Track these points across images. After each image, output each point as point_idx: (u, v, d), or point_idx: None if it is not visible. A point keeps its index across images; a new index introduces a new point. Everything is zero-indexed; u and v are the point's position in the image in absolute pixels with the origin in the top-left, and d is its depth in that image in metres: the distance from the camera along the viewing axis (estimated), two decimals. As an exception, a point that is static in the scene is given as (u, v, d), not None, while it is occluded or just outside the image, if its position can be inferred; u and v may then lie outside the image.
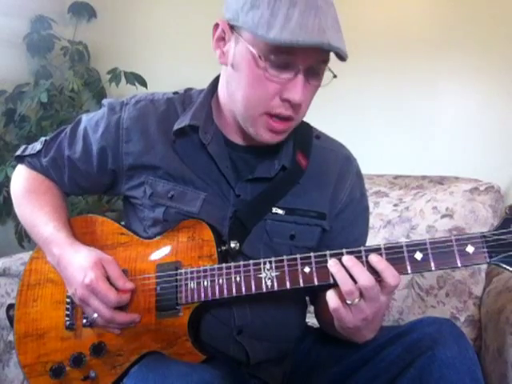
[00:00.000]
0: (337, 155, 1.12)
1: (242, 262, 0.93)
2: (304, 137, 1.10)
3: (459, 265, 0.84)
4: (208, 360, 0.96)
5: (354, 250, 0.87)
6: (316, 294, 1.12)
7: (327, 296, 0.87)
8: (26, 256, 1.51)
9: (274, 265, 0.91)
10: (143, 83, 2.32)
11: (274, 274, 0.91)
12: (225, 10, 0.95)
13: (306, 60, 0.88)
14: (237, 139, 1.05)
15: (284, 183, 1.05)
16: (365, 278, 0.83)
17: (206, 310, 0.99)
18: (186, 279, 0.96)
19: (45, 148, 1.14)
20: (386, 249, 0.86)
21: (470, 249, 0.83)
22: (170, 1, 2.51)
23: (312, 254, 0.90)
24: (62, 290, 1.04)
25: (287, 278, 0.90)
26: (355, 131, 2.11)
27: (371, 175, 1.90)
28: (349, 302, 0.84)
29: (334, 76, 0.93)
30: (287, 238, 1.05)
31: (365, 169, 1.17)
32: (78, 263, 0.96)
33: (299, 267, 0.90)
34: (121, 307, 0.96)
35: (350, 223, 1.10)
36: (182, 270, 0.97)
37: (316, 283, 0.89)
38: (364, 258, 0.86)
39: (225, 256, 0.98)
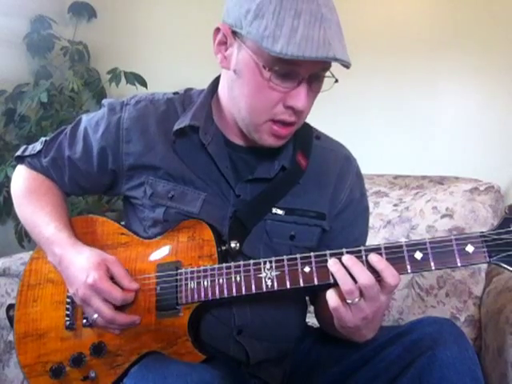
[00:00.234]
0: (337, 155, 1.12)
1: (242, 262, 0.93)
2: (304, 137, 1.10)
3: (459, 264, 0.84)
4: (208, 360, 0.96)
5: (353, 249, 0.87)
6: (316, 294, 1.12)
7: (327, 295, 0.87)
8: (26, 256, 1.51)
9: (274, 264, 0.91)
10: (143, 83, 2.32)
11: (274, 273, 0.91)
12: (225, 14, 0.94)
13: (309, 69, 0.89)
14: (237, 140, 1.05)
15: (284, 183, 1.05)
16: (365, 277, 0.83)
17: (206, 309, 0.99)
18: (186, 279, 0.96)
19: (45, 148, 1.14)
20: (385, 248, 0.86)
21: (469, 248, 0.83)
22: (170, 1, 2.51)
23: (312, 254, 0.90)
24: (62, 290, 1.04)
25: (287, 278, 0.90)
26: (355, 131, 2.12)
27: (371, 175, 1.90)
28: (349, 301, 0.85)
29: (336, 81, 0.94)
30: (287, 238, 1.05)
31: (365, 169, 1.17)
32: (80, 263, 0.96)
33: (299, 267, 0.90)
34: (121, 308, 0.96)
35: (350, 223, 1.10)
36: (182, 270, 0.97)
37: (316, 283, 0.89)
38: (364, 258, 0.86)
39: (225, 256, 0.98)
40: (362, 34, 2.06)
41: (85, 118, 1.14)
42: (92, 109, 2.44)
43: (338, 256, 0.87)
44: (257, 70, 0.90)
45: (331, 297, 0.86)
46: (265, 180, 1.04)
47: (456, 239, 0.84)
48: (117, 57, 2.56)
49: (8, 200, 2.21)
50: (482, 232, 0.84)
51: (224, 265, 0.94)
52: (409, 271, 0.86)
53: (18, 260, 1.59)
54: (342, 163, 1.11)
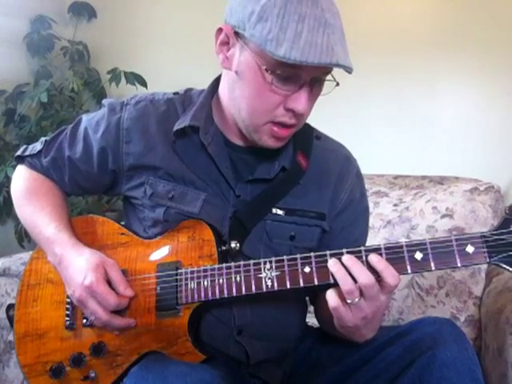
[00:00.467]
0: (337, 155, 1.12)
1: (242, 262, 0.94)
2: (304, 137, 1.10)
3: (459, 265, 0.84)
4: (208, 360, 0.96)
5: (354, 249, 0.87)
6: (316, 294, 1.12)
7: (327, 295, 0.87)
8: (26, 256, 1.51)
9: (274, 265, 0.91)
10: (143, 83, 2.32)
11: (274, 273, 0.91)
12: (228, 14, 0.94)
13: (311, 73, 0.89)
14: (237, 140, 1.05)
15: (284, 184, 1.05)
16: (364, 277, 0.84)
17: (206, 309, 0.99)
18: (186, 279, 0.96)
19: (45, 148, 1.14)
20: (385, 249, 0.86)
21: (469, 249, 0.83)
22: (170, 1, 2.51)
23: (312, 254, 0.90)
24: (62, 291, 1.04)
25: (287, 278, 0.90)
26: (355, 131, 2.12)
27: (371, 175, 1.90)
28: (349, 301, 0.85)
29: (337, 84, 0.94)
30: (287, 238, 1.05)
31: (365, 169, 1.17)
32: (79, 265, 0.96)
33: (299, 267, 0.90)
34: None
35: (350, 223, 1.10)
36: (182, 270, 0.97)
37: (316, 283, 0.89)
38: (364, 258, 0.86)
39: (225, 256, 0.98)
40: (362, 34, 2.06)
41: (85, 118, 1.14)
42: (92, 109, 2.44)
43: (338, 256, 0.87)
44: (259, 72, 0.90)
45: (331, 297, 0.86)
46: (265, 180, 1.04)
47: (456, 239, 0.84)
48: (117, 57, 2.56)
49: (8, 200, 2.20)
50: (482, 232, 0.84)
51: (224, 265, 0.94)
52: (409, 271, 0.86)
53: (18, 260, 1.59)
54: (342, 163, 1.11)
